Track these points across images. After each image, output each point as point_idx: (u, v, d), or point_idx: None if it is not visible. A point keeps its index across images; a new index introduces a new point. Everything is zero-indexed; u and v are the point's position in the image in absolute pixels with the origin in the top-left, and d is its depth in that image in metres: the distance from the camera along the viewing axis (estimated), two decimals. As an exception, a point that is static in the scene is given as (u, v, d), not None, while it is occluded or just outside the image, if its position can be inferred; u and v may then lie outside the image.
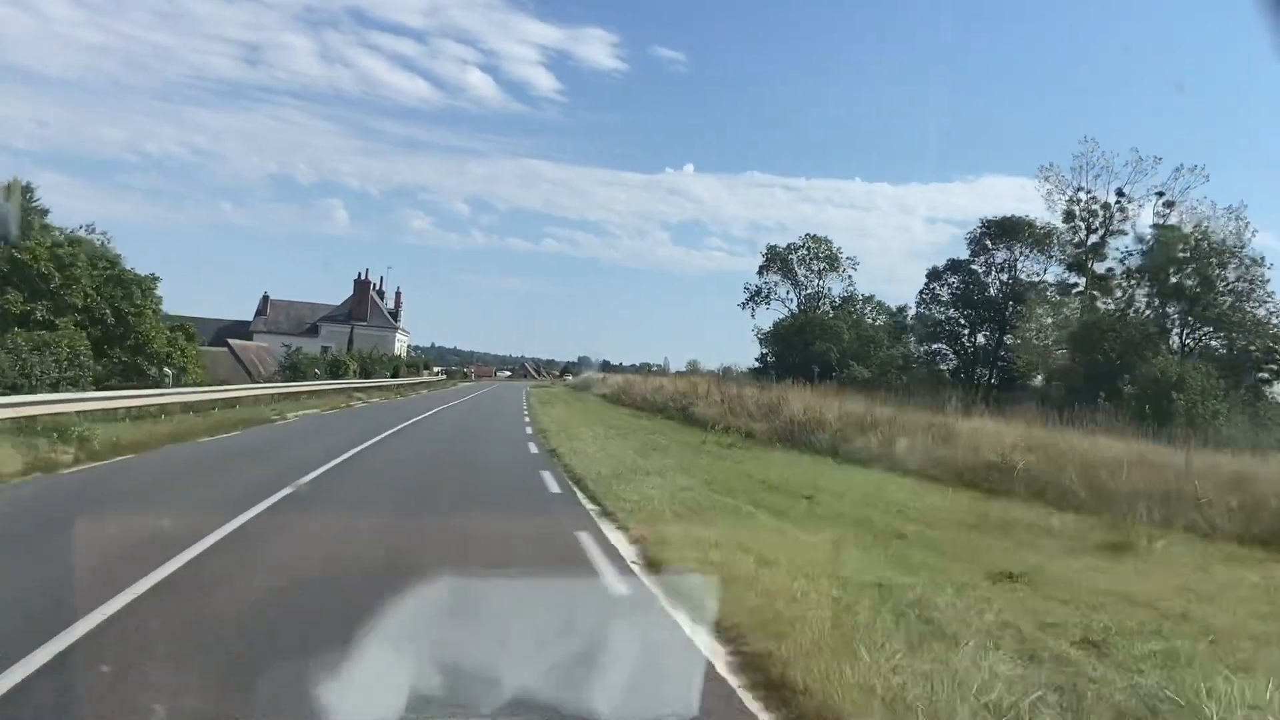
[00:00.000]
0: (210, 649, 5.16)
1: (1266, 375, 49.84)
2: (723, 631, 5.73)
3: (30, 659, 4.65)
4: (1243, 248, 52.78)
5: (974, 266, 69.47)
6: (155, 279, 27.20)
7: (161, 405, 20.91)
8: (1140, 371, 46.25)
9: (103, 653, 4.87)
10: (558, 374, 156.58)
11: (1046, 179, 65.35)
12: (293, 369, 40.66)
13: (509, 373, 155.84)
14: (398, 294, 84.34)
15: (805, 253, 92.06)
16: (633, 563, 8.09)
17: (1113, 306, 61.31)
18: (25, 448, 12.84)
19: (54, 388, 19.26)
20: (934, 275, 71.04)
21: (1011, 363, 65.00)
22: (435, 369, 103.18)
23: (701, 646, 5.51)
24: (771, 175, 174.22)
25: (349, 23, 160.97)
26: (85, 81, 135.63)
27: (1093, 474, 13.12)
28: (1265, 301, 50.21)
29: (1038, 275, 68.64)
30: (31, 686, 4.36)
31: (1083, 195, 65.31)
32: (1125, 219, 64.29)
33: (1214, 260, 51.05)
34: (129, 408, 20.11)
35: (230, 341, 62.58)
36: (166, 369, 23.29)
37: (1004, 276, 69.05)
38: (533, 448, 19.82)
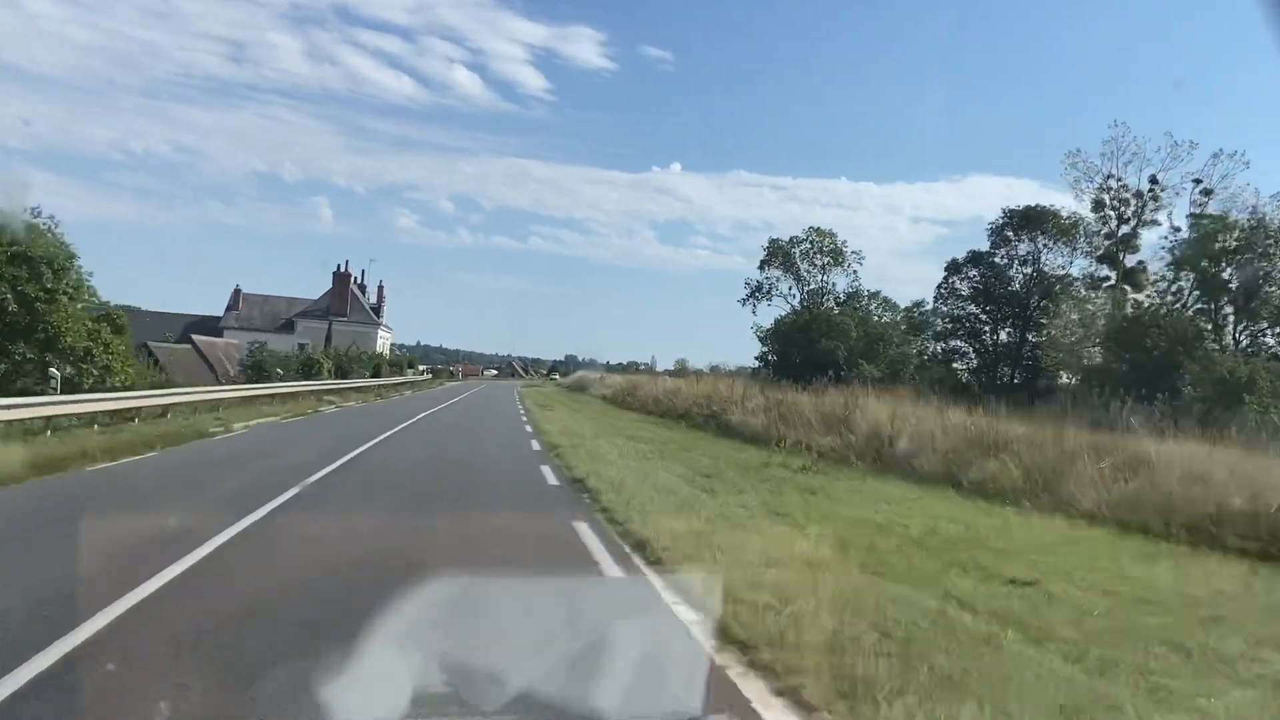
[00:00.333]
0: None
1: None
2: None
3: None
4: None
5: (995, 259, 64.72)
6: (72, 256, 21.82)
7: (48, 417, 15.61)
8: (1201, 371, 41.56)
9: None
10: (545, 373, 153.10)
11: (1074, 165, 60.63)
12: (256, 368, 35.29)
13: (495, 372, 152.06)
14: (380, 288, 78.89)
15: (809, 246, 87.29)
16: None
17: (1150, 300, 56.77)
18: None
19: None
20: (953, 268, 66.16)
21: (1038, 360, 60.23)
22: (421, 368, 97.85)
23: None
24: (759, 174, 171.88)
25: (335, 20, 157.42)
26: (72, 79, 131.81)
27: None
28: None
29: (1063, 268, 64.02)
30: None
31: (1113, 183, 60.79)
32: (1158, 208, 59.71)
33: (1276, 251, 46.51)
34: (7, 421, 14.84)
35: (195, 338, 57.09)
36: (54, 370, 17.93)
37: (1027, 270, 64.38)
38: (548, 474, 14.64)
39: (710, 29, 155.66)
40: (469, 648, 4.58)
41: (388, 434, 21.41)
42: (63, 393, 18.03)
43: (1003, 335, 63.92)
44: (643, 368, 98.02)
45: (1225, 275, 49.88)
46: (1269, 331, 48.58)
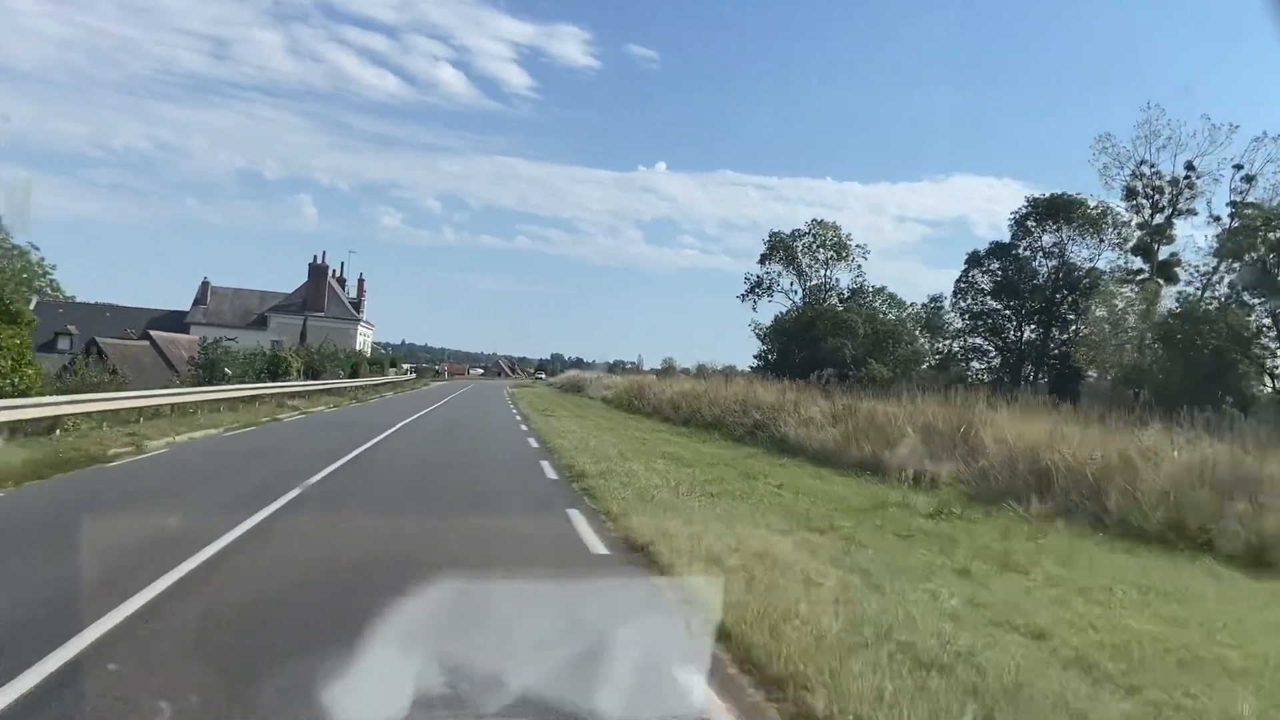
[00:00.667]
0: None
1: None
2: None
3: None
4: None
5: (1017, 251, 60.01)
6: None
7: None
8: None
9: None
10: (531, 372, 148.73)
11: (1105, 150, 55.93)
12: (209, 368, 29.93)
13: (482, 371, 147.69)
14: (360, 282, 73.37)
15: (811, 240, 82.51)
16: None
17: (1191, 294, 52.23)
18: None
19: None
20: (974, 260, 61.36)
21: (1069, 358, 55.53)
22: (405, 367, 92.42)
23: None
24: (744, 174, 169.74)
25: (318, 17, 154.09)
26: (49, 75, 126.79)
27: None
28: None
29: (1090, 261, 59.44)
30: None
31: (1146, 169, 56.21)
32: (1194, 196, 55.18)
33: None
34: None
35: (154, 334, 51.48)
36: None
37: (1051, 262, 59.73)
38: (583, 528, 9.50)
39: (695, 28, 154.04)
40: None
41: (353, 454, 16.20)
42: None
43: (1027, 332, 59.27)
44: (629, 366, 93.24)
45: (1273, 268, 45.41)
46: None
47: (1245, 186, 51.82)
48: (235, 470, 13.53)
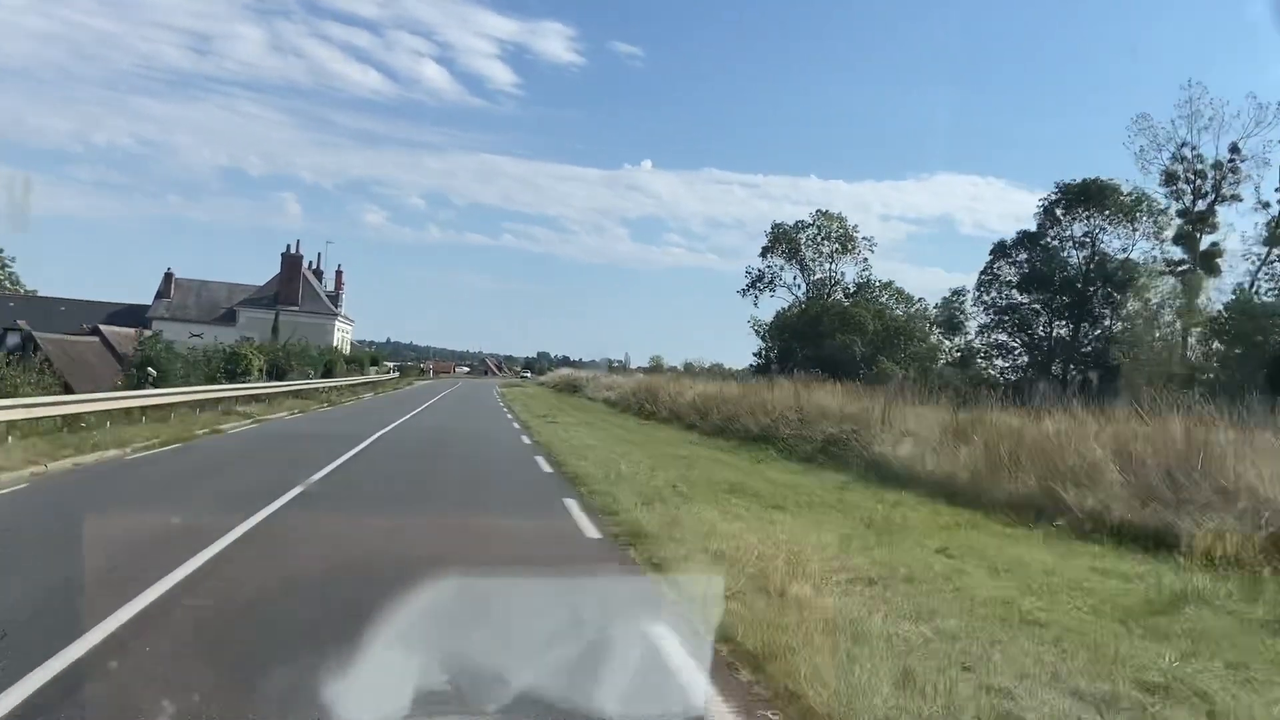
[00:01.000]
0: None
1: None
2: None
3: None
4: None
5: (1045, 241, 55.35)
6: None
7: None
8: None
9: None
10: (518, 370, 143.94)
11: (1142, 131, 51.29)
12: (143, 367, 24.63)
13: (468, 369, 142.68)
14: (338, 274, 67.96)
15: (815, 232, 77.73)
16: None
17: (1243, 285, 47.76)
18: None
19: None
20: (999, 250, 56.58)
21: (1104, 355, 50.93)
22: (388, 365, 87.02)
23: None
24: (729, 172, 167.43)
25: (300, 12, 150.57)
26: (29, 70, 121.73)
27: None
28: None
29: (1123, 251, 54.87)
30: None
31: (1187, 152, 51.70)
32: (1239, 180, 50.69)
33: None
34: None
35: (104, 329, 45.97)
36: None
37: (1083, 253, 55.12)
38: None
39: (680, 26, 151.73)
40: None
41: (291, 494, 11.07)
42: None
43: (1057, 328, 54.58)
44: (616, 365, 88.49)
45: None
46: None
47: (1293, 170, 47.47)
48: (64, 543, 8.15)
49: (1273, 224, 48.23)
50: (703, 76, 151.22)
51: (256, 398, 28.10)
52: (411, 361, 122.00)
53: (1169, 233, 52.52)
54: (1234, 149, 50.18)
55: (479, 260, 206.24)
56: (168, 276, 60.34)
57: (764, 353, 79.17)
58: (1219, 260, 51.70)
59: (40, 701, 4.02)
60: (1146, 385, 46.25)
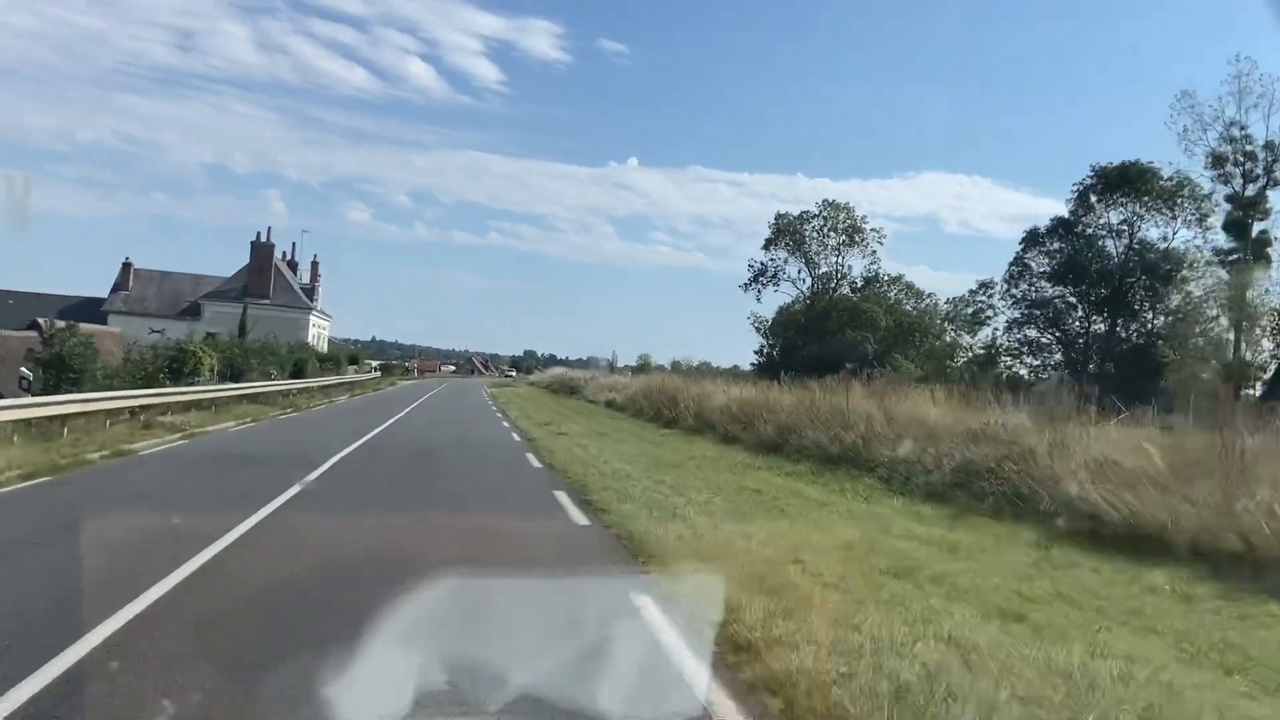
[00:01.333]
0: None
1: None
2: None
3: None
4: None
5: (1080, 230, 50.78)
6: None
7: None
8: None
9: None
10: (504, 369, 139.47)
11: (1188, 109, 46.65)
12: (56, 365, 19.43)
13: (454, 367, 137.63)
14: (314, 266, 62.58)
15: (821, 223, 72.85)
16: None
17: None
18: None
19: None
20: (1031, 239, 51.94)
21: (1149, 353, 46.40)
22: (370, 364, 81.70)
23: None
24: (716, 170, 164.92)
25: (286, 9, 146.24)
26: (13, 67, 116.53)
27: None
28: None
29: (1164, 239, 50.37)
30: None
31: (1236, 132, 47.18)
32: (1291, 162, 46.21)
33: None
34: None
35: (42, 323, 40.65)
36: None
37: (1120, 242, 50.60)
38: None
39: (666, 23, 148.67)
40: None
41: (178, 577, 6.01)
42: None
43: (1094, 322, 49.97)
44: (603, 363, 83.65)
45: None
46: None
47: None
48: None
49: (1333, 209, 43.95)
50: (689, 74, 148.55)
51: (200, 404, 22.96)
52: (397, 360, 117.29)
53: (1214, 219, 48.26)
54: (1287, 128, 45.76)
55: (466, 258, 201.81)
56: (126, 267, 54.80)
57: (765, 350, 74.49)
58: (1269, 249, 47.48)
59: None
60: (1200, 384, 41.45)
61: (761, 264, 73.43)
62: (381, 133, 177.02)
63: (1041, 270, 50.37)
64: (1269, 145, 45.83)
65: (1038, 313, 50.97)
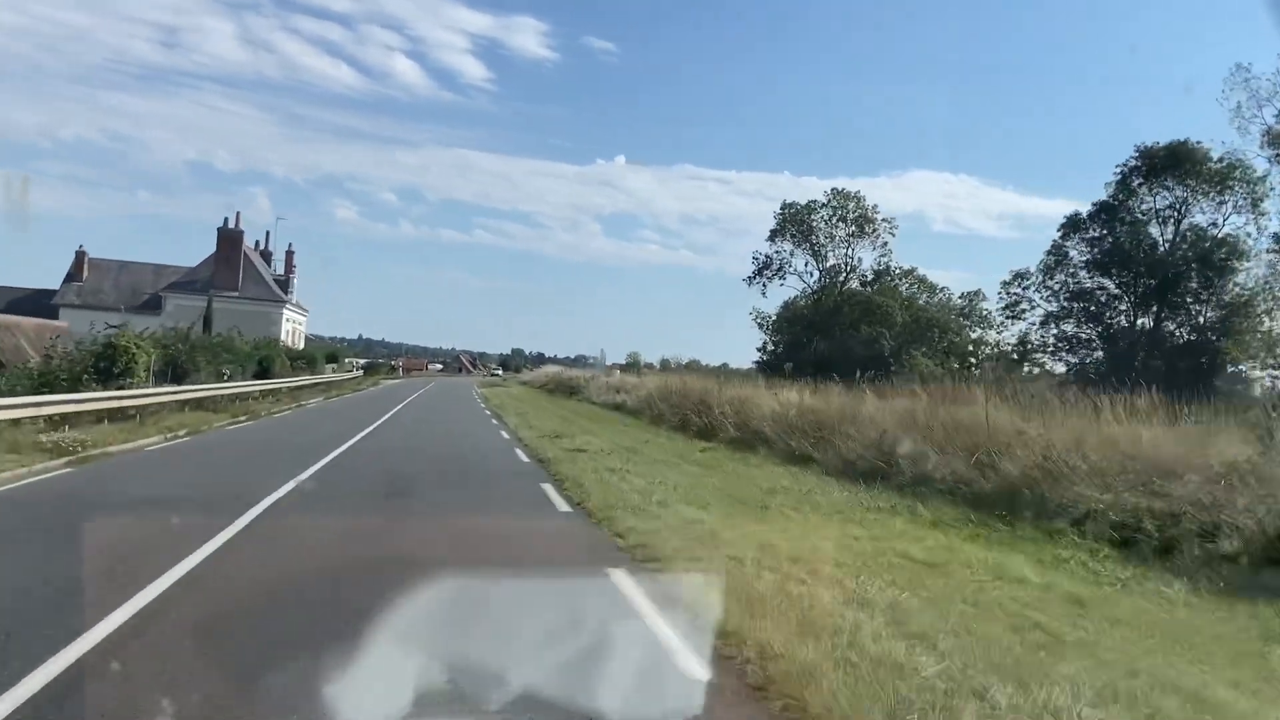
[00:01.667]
0: None
1: None
2: None
3: None
4: None
5: (1124, 216, 46.28)
6: None
7: None
8: None
9: None
10: (492, 368, 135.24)
11: (1243, 84, 42.04)
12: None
13: (441, 366, 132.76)
14: (289, 256, 57.32)
15: (829, 213, 68.00)
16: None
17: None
18: None
19: None
20: (1071, 226, 47.46)
21: (1210, 350, 41.93)
22: (352, 362, 76.55)
23: None
24: (703, 168, 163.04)
25: (271, 6, 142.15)
26: None
27: None
28: None
29: (1214, 226, 45.94)
30: None
31: (1296, 108, 42.70)
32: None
33: None
34: None
35: (-26, 316, 35.70)
36: None
37: (1168, 229, 46.16)
38: None
39: (654, 21, 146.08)
40: None
41: None
42: None
43: (1141, 317, 45.39)
44: (591, 360, 79.14)
45: None
46: None
47: None
48: None
49: None
50: (678, 72, 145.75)
51: (122, 412, 17.97)
52: (383, 358, 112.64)
53: (1269, 203, 43.98)
54: (1354, 105, 41.32)
55: (453, 256, 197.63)
56: (79, 256, 49.41)
57: (769, 347, 69.63)
58: (1330, 236, 43.17)
59: None
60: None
61: (766, 256, 68.48)
62: (368, 130, 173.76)
63: (1084, 259, 45.78)
64: (1332, 122, 41.52)
65: (1077, 305, 46.40)
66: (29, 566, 6.61)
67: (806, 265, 68.43)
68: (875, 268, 68.02)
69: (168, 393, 20.63)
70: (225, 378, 27.36)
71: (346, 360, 75.07)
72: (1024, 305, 48.19)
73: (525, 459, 16.22)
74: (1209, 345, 42.29)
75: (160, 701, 4.06)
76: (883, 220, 64.76)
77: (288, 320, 52.50)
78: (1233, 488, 8.14)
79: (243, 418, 22.96)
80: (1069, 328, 47.44)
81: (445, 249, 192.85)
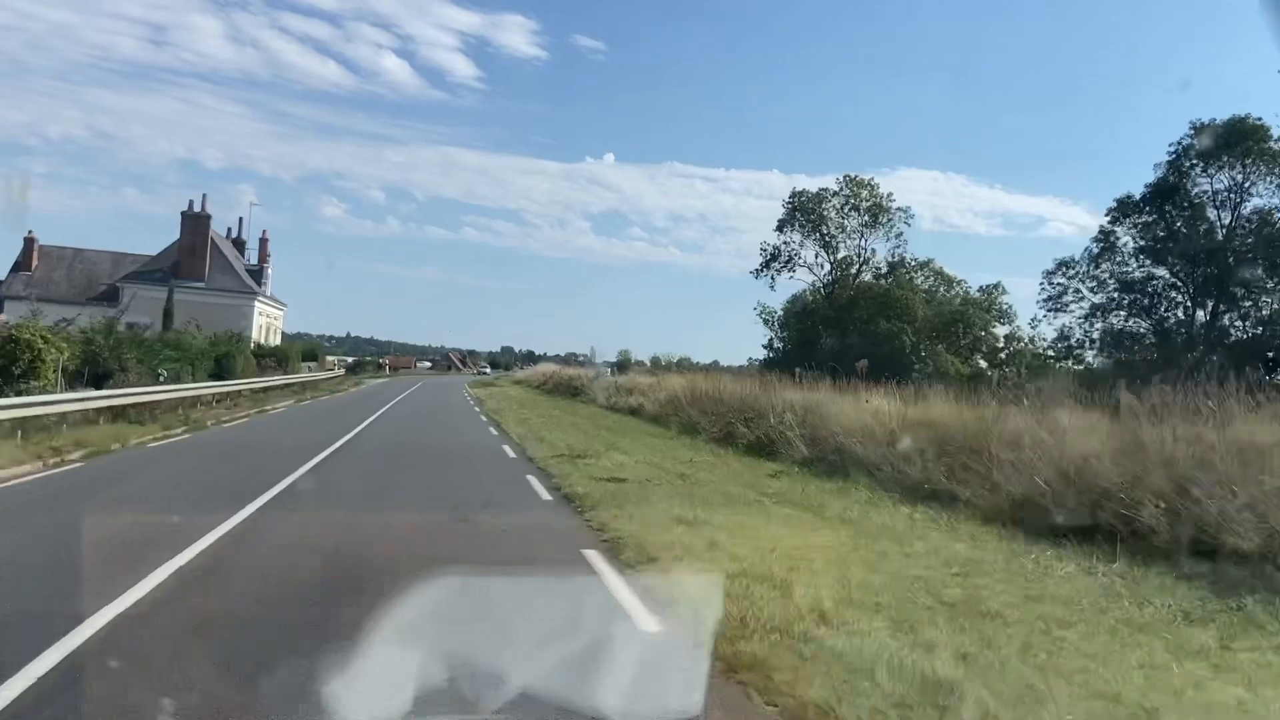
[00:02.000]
0: None
1: None
2: None
3: None
4: None
5: (1180, 198, 41.90)
6: None
7: None
8: None
9: None
10: (482, 365, 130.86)
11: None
12: None
13: (430, 364, 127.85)
14: (263, 244, 52.20)
15: (841, 201, 63.21)
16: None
17: None
18: None
19: None
20: (1121, 210, 43.00)
21: (1275, 343, 37.57)
22: (333, 360, 71.50)
23: None
24: (691, 166, 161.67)
25: (258, 3, 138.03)
26: None
27: None
28: None
29: (1275, 209, 41.59)
30: None
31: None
32: None
33: None
34: None
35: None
36: None
37: (1224, 214, 41.81)
38: None
39: (643, 20, 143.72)
40: None
41: None
42: None
43: (1198, 310, 40.96)
44: (581, 359, 74.46)
45: None
46: None
47: None
48: None
49: None
50: (665, 70, 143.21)
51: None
52: (371, 356, 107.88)
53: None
54: None
55: (440, 254, 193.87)
56: (29, 243, 44.26)
57: (776, 344, 64.92)
58: None
59: None
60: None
61: (775, 247, 63.57)
62: (354, 128, 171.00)
63: (1138, 245, 41.26)
64: None
65: (1127, 297, 41.93)
66: None
67: (817, 257, 63.63)
68: (890, 259, 63.16)
69: (71, 399, 15.74)
70: (161, 379, 22.45)
71: (328, 359, 70.02)
72: (1068, 297, 43.56)
73: (545, 494, 11.47)
74: (1277, 339, 37.97)
75: None
76: (897, 209, 59.97)
77: (261, 314, 47.49)
78: None
79: (178, 431, 18.12)
80: (1117, 320, 43.01)
81: (433, 247, 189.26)
